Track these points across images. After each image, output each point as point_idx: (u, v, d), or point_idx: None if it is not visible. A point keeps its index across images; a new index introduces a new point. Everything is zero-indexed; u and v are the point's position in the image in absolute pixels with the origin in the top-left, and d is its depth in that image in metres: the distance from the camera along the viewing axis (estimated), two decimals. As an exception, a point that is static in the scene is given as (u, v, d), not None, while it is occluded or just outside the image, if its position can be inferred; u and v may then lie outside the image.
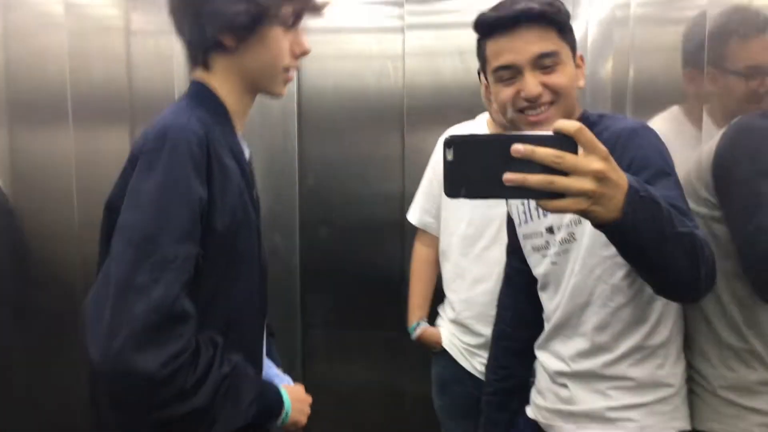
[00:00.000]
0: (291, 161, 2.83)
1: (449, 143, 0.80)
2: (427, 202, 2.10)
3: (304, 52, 1.22)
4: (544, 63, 1.22)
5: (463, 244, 1.95)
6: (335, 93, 2.82)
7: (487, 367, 1.64)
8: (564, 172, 0.78)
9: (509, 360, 1.55)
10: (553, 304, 1.37)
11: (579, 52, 1.30)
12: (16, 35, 1.75)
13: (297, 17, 1.18)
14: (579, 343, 1.31)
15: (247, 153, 1.22)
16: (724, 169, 1.23)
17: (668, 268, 0.96)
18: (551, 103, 1.24)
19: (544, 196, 0.79)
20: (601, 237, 0.94)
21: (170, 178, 0.98)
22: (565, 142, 0.79)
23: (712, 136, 1.35)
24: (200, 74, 1.17)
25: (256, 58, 1.16)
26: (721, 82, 1.47)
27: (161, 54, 1.92)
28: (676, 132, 1.52)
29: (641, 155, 1.16)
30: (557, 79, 1.23)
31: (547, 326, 1.40)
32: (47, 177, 2.02)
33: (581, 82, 1.30)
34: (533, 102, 1.23)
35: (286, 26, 1.16)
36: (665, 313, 1.27)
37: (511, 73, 1.24)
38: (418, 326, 2.09)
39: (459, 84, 2.71)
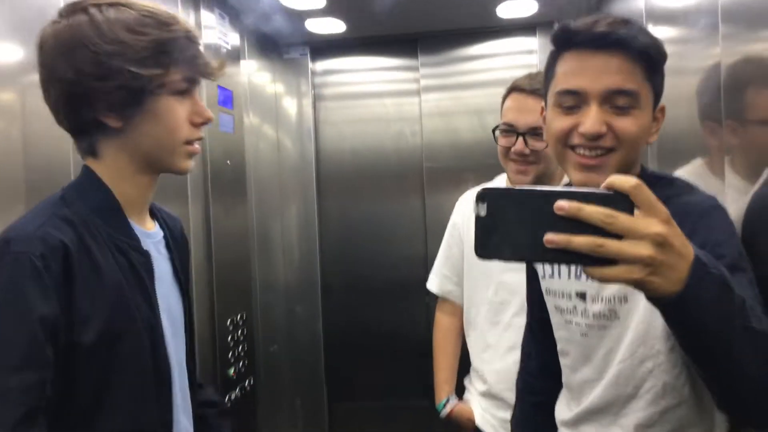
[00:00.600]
0: (311, 226, 2.83)
1: (482, 197, 0.69)
2: (447, 269, 1.97)
3: (206, 120, 1.07)
4: (617, 101, 1.01)
5: (492, 312, 1.82)
6: (353, 156, 2.85)
7: (512, 423, 1.52)
8: (617, 236, 0.66)
9: (537, 416, 1.39)
10: (581, 377, 1.22)
11: (662, 102, 1.09)
12: None
13: (190, 82, 1.04)
14: None
15: (152, 240, 1.11)
16: (754, 233, 1.09)
17: (735, 370, 0.78)
18: (611, 150, 1.02)
19: (592, 261, 0.67)
20: (657, 328, 0.83)
21: (7, 298, 0.89)
22: (619, 200, 0.67)
23: (737, 189, 1.29)
24: (90, 160, 1.06)
25: (148, 135, 1.02)
26: (741, 134, 1.41)
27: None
28: (700, 186, 1.46)
29: (713, 241, 0.95)
30: (626, 125, 1.01)
31: (574, 404, 1.24)
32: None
33: (653, 138, 1.08)
34: (590, 141, 1.02)
35: (179, 94, 1.03)
36: (723, 418, 1.10)
37: (574, 100, 1.04)
38: (448, 403, 1.94)
39: (476, 143, 2.71)
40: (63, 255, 0.92)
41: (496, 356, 1.81)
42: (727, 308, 0.75)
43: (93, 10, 0.97)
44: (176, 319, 1.13)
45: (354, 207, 2.85)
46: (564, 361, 1.27)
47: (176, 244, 1.18)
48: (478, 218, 0.69)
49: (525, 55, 2.75)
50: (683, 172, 1.57)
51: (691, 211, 0.99)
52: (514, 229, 0.68)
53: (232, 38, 2.27)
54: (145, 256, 1.06)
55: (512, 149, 1.62)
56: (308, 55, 2.83)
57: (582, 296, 1.17)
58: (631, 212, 0.67)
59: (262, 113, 2.68)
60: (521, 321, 1.67)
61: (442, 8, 2.45)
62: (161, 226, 1.16)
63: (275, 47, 2.79)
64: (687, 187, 1.11)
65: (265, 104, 2.72)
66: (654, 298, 0.72)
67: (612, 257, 0.66)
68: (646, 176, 1.10)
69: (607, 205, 0.67)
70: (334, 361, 2.80)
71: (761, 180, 1.20)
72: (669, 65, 1.11)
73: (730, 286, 0.75)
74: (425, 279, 2.02)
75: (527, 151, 1.60)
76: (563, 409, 1.29)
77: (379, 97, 2.87)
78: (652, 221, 0.67)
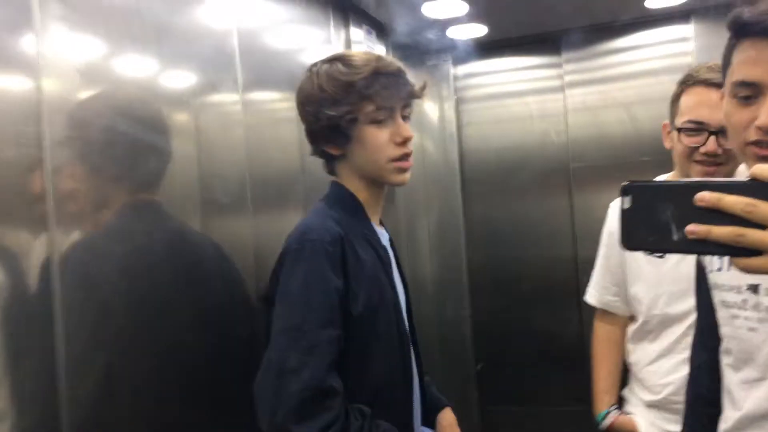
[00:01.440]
0: (457, 229, 2.87)
1: (626, 190, 0.71)
2: (606, 279, 1.86)
3: (406, 139, 1.28)
4: None
5: (665, 322, 1.71)
6: (497, 157, 2.85)
7: None
8: (760, 226, 0.65)
9: (711, 429, 1.25)
10: (742, 377, 1.14)
11: None
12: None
13: (385, 110, 1.26)
14: None
15: (384, 239, 1.37)
16: None
17: None
18: None
19: (735, 252, 0.67)
20: None
21: (310, 273, 1.16)
22: (761, 189, 0.66)
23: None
24: (334, 179, 1.35)
25: (360, 158, 1.29)
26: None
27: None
28: None
29: None
30: None
31: (735, 409, 1.17)
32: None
33: None
34: (766, 135, 0.97)
35: (377, 122, 1.26)
36: None
37: (750, 91, 0.99)
38: (609, 414, 1.84)
39: (626, 139, 2.61)
40: (341, 243, 1.20)
41: (670, 367, 1.71)
42: None
43: (314, 68, 1.29)
44: (403, 299, 1.38)
45: (499, 207, 2.84)
46: (726, 361, 1.19)
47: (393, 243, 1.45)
48: (622, 211, 0.71)
49: (678, 43, 2.59)
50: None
51: None
52: (657, 220, 0.69)
53: (378, 51, 2.38)
54: (384, 249, 1.34)
55: (701, 149, 1.50)
56: (450, 61, 2.89)
57: (754, 288, 1.10)
58: None
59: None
60: None
61: (585, 4, 2.39)
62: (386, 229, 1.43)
63: (419, 56, 2.87)
64: None
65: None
66: None
67: (755, 247, 0.65)
68: None
69: (749, 194, 0.66)
70: (485, 363, 2.81)
71: None
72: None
73: None
74: (575, 281, 1.98)
75: (720, 151, 1.48)
76: (723, 418, 1.21)
77: (521, 96, 2.85)
78: None
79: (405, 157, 1.29)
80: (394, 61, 1.31)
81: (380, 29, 2.38)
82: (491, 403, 2.81)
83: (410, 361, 1.33)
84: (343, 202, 1.31)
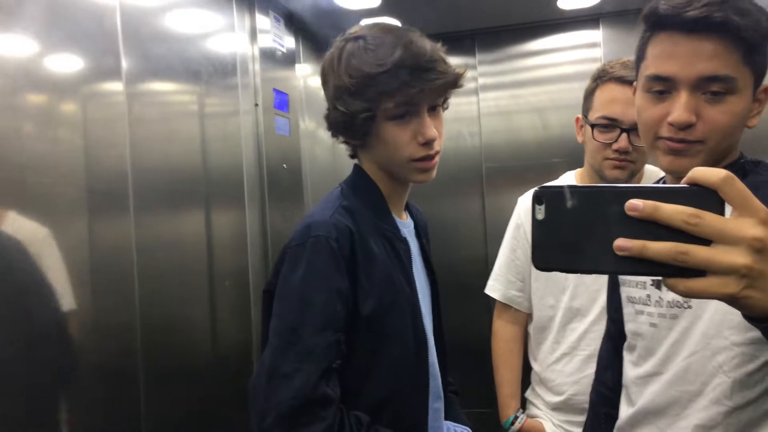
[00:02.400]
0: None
1: (539, 197, 0.58)
2: (512, 273, 1.81)
3: (427, 140, 1.13)
4: (710, 87, 0.93)
5: (568, 318, 1.69)
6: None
7: None
8: (704, 241, 0.54)
9: (610, 430, 1.25)
10: (639, 372, 1.12)
11: (766, 83, 1.00)
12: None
13: (405, 107, 1.11)
14: None
15: (407, 230, 1.25)
16: None
17: None
18: (700, 142, 0.95)
19: (675, 272, 0.55)
20: (734, 315, 0.73)
21: (311, 272, 1.06)
22: (706, 197, 0.55)
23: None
24: (356, 161, 1.24)
25: (378, 154, 1.17)
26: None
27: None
28: None
29: None
30: (718, 115, 0.94)
31: (629, 405, 1.15)
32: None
33: (754, 121, 1.00)
34: (678, 131, 0.96)
35: (398, 118, 1.12)
36: None
37: (665, 86, 0.97)
38: (517, 419, 1.79)
39: (537, 141, 2.62)
40: (350, 238, 1.09)
41: (573, 366, 1.69)
42: None
43: (341, 41, 1.16)
44: (426, 295, 1.28)
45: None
46: (629, 358, 1.18)
47: (423, 231, 1.35)
48: (535, 222, 0.58)
49: (588, 48, 2.64)
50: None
51: None
52: (578, 234, 0.57)
53: (287, 41, 2.26)
54: (405, 243, 1.21)
55: (613, 146, 1.51)
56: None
57: (658, 284, 1.09)
58: (720, 211, 0.55)
59: (318, 117, 2.67)
60: (600, 328, 1.55)
61: (499, 3, 2.38)
62: (411, 217, 1.31)
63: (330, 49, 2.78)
64: None
65: (320, 108, 2.70)
66: (753, 318, 0.59)
67: (699, 267, 0.54)
68: (740, 166, 1.01)
69: (691, 203, 0.54)
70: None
71: None
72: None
73: None
74: (485, 281, 1.92)
75: (631, 148, 1.49)
76: (619, 415, 1.20)
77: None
78: (747, 222, 0.54)
79: (428, 158, 1.15)
80: (426, 47, 1.12)
81: (289, 18, 2.26)
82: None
83: (427, 368, 1.21)
84: (361, 191, 1.20)
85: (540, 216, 0.58)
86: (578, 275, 1.59)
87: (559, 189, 0.58)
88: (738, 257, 0.53)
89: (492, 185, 2.70)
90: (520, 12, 2.51)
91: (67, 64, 1.27)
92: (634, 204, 0.55)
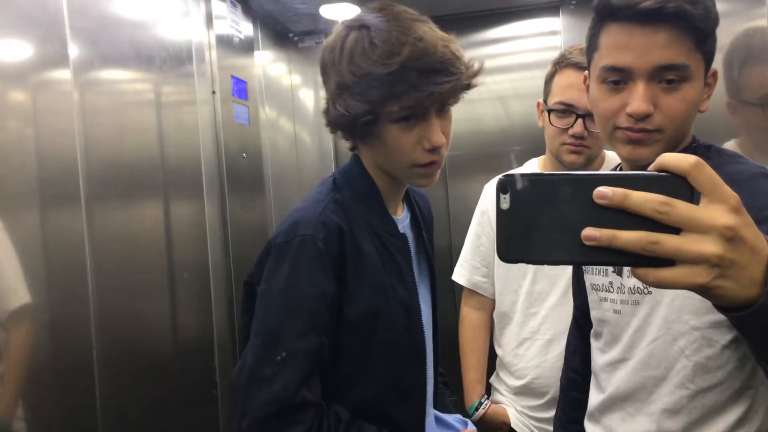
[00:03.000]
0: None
1: (504, 186, 0.56)
2: (477, 260, 1.84)
3: (434, 146, 1.05)
4: (665, 76, 0.95)
5: (529, 302, 1.72)
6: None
7: (555, 423, 1.44)
8: (674, 229, 0.53)
9: (580, 414, 1.28)
10: (606, 359, 1.14)
11: (714, 67, 1.03)
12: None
13: (410, 110, 1.02)
14: (643, 425, 1.06)
15: (403, 224, 1.18)
16: None
17: None
18: (659, 131, 0.97)
19: (644, 262, 0.54)
20: (692, 300, 0.73)
21: (296, 273, 1.02)
22: (675, 184, 0.54)
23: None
24: (355, 152, 1.17)
25: (379, 154, 1.10)
26: (740, 114, 1.31)
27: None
28: None
29: (760, 204, 0.83)
30: (675, 103, 0.96)
31: (599, 392, 1.16)
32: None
33: (705, 105, 1.02)
34: (637, 122, 0.97)
35: (402, 121, 1.03)
36: (759, 400, 1.00)
37: (620, 76, 0.98)
38: (481, 404, 1.80)
39: (501, 130, 2.62)
40: (339, 237, 1.04)
41: (535, 350, 1.72)
42: None
43: (343, 30, 1.08)
44: (427, 292, 1.23)
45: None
46: (595, 345, 1.19)
47: (424, 221, 1.27)
48: (500, 212, 0.56)
49: (548, 36, 2.64)
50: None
51: (739, 179, 0.86)
52: (543, 224, 0.55)
53: (245, 28, 2.21)
54: (402, 240, 1.15)
55: (570, 131, 1.52)
56: (323, 43, 2.76)
57: (619, 271, 1.10)
58: (690, 198, 0.54)
59: (279, 105, 2.63)
60: (563, 310, 1.58)
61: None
62: (410, 207, 1.25)
63: (290, 36, 2.73)
64: (736, 156, 1.03)
65: (281, 96, 2.66)
66: (723, 308, 0.57)
67: (669, 257, 0.53)
68: (694, 149, 1.03)
69: (661, 190, 0.53)
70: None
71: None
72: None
73: None
74: (449, 269, 1.93)
75: (586, 134, 1.51)
76: (589, 401, 1.22)
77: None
78: (718, 209, 0.53)
79: (433, 163, 1.07)
80: (438, 44, 1.02)
81: (246, 3, 2.21)
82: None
83: (424, 373, 1.16)
84: (356, 185, 1.12)
85: (505, 206, 0.56)
86: None
87: (524, 177, 0.56)
88: (709, 246, 0.52)
89: (455, 173, 2.69)
90: (480, -1, 2.50)
91: (8, 51, 1.22)
92: (603, 192, 0.53)
